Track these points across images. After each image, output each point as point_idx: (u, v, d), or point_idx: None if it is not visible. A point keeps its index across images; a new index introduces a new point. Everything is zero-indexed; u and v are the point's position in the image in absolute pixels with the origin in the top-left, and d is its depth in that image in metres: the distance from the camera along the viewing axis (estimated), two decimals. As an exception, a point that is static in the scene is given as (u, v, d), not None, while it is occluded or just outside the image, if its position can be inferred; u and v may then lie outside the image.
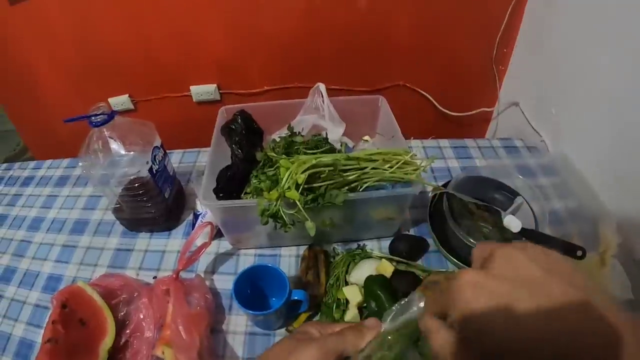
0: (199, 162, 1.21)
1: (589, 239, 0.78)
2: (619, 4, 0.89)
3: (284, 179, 0.73)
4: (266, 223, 0.73)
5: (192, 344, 0.74)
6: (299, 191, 0.72)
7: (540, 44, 1.20)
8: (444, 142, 1.19)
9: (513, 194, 0.91)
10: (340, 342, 0.45)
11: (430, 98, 1.40)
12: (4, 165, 1.37)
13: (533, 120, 1.22)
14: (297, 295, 0.76)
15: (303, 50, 1.34)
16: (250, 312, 0.73)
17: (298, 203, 0.71)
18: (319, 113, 0.97)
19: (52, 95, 1.55)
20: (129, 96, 1.51)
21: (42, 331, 0.84)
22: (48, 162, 1.33)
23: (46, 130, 1.69)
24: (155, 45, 1.38)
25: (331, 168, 0.76)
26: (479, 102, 1.41)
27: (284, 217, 0.72)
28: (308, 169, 0.74)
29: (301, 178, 0.72)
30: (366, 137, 1.06)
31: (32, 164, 1.34)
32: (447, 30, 1.29)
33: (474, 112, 1.41)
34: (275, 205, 0.72)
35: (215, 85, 1.45)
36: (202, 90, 1.46)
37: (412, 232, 0.97)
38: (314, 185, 0.75)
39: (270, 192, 0.72)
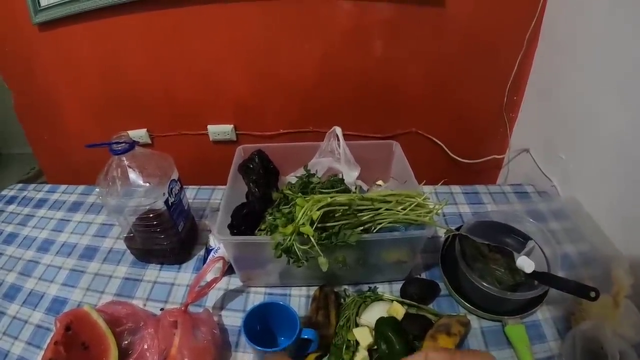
0: (213, 200, 1.22)
1: (602, 282, 0.77)
2: (626, 52, 0.92)
3: (300, 215, 0.74)
4: (280, 256, 0.73)
5: (196, 378, 0.72)
6: (313, 228, 0.72)
7: (549, 91, 1.22)
8: (456, 188, 1.20)
9: (525, 238, 0.91)
10: None
11: (442, 145, 1.42)
12: (19, 185, 1.39)
13: (543, 166, 1.23)
14: (307, 334, 0.75)
15: (318, 95, 1.38)
16: (259, 348, 0.72)
17: (312, 239, 0.72)
18: (334, 156, 0.98)
19: (71, 123, 1.59)
20: (147, 131, 1.54)
21: (42, 352, 0.84)
22: (63, 187, 1.35)
23: (62, 156, 1.72)
24: (176, 84, 1.42)
25: (346, 207, 0.77)
26: (489, 149, 1.42)
27: (298, 252, 0.72)
28: (323, 206, 0.75)
29: (316, 214, 0.73)
30: (379, 182, 1.07)
31: (47, 187, 1.36)
32: (458, 79, 1.32)
33: (485, 159, 1.43)
34: (290, 240, 0.72)
35: (232, 125, 1.49)
36: (219, 130, 1.50)
37: (423, 275, 0.96)
38: (328, 224, 0.76)
39: (286, 227, 0.73)
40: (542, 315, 0.85)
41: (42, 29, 1.36)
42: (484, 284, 0.80)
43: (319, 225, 0.74)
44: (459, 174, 1.40)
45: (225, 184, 1.23)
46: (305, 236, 0.73)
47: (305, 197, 0.78)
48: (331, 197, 0.77)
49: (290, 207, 0.80)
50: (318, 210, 0.74)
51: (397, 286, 0.92)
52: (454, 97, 1.36)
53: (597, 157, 1.03)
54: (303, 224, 0.73)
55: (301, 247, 0.72)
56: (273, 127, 1.46)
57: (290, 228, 0.72)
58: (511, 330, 0.81)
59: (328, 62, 1.31)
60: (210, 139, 1.53)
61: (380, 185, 1.06)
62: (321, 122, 1.39)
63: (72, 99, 1.53)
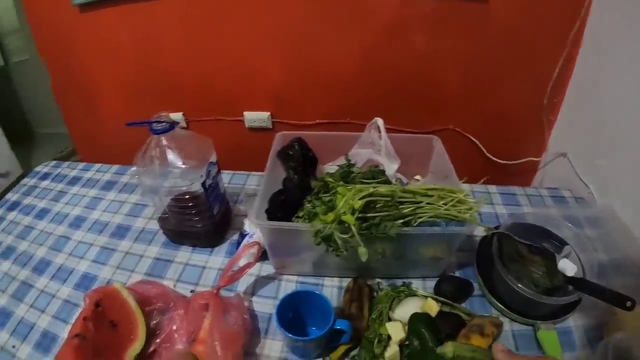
0: (248, 185, 1.22)
1: (635, 292, 0.74)
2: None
3: (341, 204, 0.72)
4: (319, 244, 0.72)
5: (228, 361, 0.72)
6: (355, 217, 0.71)
7: (590, 95, 1.19)
8: (492, 188, 1.18)
9: (561, 242, 0.88)
10: None
11: (479, 144, 1.40)
12: (53, 162, 1.41)
13: (580, 171, 1.20)
14: (340, 325, 0.74)
15: (357, 87, 1.36)
16: (291, 336, 0.71)
17: (353, 228, 0.70)
18: (374, 147, 0.97)
19: (107, 105, 1.61)
20: (183, 114, 1.55)
21: (68, 326, 0.85)
22: (97, 165, 1.36)
23: (96, 136, 1.75)
24: (213, 69, 1.42)
25: (388, 199, 0.76)
26: (526, 151, 1.39)
27: (338, 240, 0.71)
28: (365, 196, 0.74)
29: (358, 204, 0.72)
30: (417, 176, 1.06)
31: (81, 165, 1.38)
32: (498, 77, 1.29)
33: (521, 161, 1.39)
34: (330, 228, 0.71)
35: (268, 113, 1.48)
36: (255, 117, 1.49)
37: (456, 274, 0.94)
38: (368, 215, 0.75)
39: (327, 215, 0.71)
40: (574, 322, 0.82)
41: (82, 11, 1.38)
42: (520, 285, 0.78)
43: (360, 215, 0.73)
44: (494, 174, 1.37)
45: (259, 171, 1.23)
46: (346, 225, 0.72)
47: (346, 186, 0.76)
48: (373, 188, 0.75)
49: (330, 196, 0.79)
50: (360, 199, 0.72)
51: (430, 283, 0.90)
52: (493, 96, 1.33)
53: (636, 166, 1.00)
54: (344, 212, 0.72)
55: (341, 235, 0.71)
56: (309, 117, 1.45)
57: (331, 216, 0.71)
58: (544, 336, 0.79)
59: (368, 54, 1.29)
60: (246, 126, 1.53)
61: (418, 179, 1.04)
62: (358, 115, 1.38)
63: (108, 81, 1.55)
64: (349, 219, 0.71)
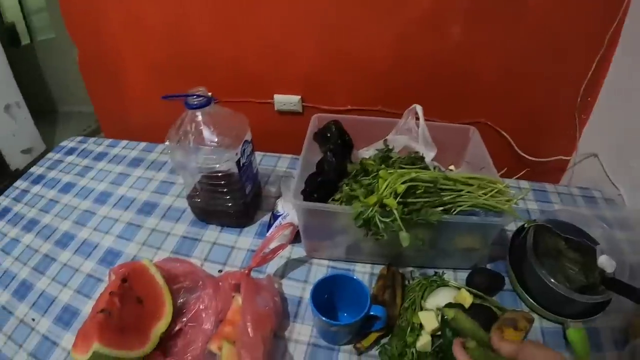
0: (279, 167, 1.21)
1: None
2: None
3: (383, 187, 0.71)
4: (361, 226, 0.70)
5: (259, 343, 0.70)
6: (396, 201, 0.70)
7: (625, 96, 1.16)
8: (524, 184, 1.16)
9: (592, 242, 0.86)
10: None
11: (510, 139, 1.38)
12: (79, 138, 1.40)
13: (611, 173, 1.17)
14: (375, 311, 0.72)
15: (390, 75, 1.34)
16: (327, 320, 0.69)
17: (395, 212, 0.69)
18: (410, 134, 0.95)
19: (134, 83, 1.61)
20: (211, 95, 1.51)
21: (90, 301, 0.85)
22: (124, 142, 1.35)
23: (122, 114, 1.74)
24: (243, 51, 1.40)
25: (430, 184, 0.74)
26: (556, 149, 1.37)
27: (379, 224, 0.69)
28: (407, 180, 0.72)
29: (401, 188, 0.71)
30: (451, 166, 1.04)
31: (107, 141, 1.37)
32: (533, 73, 1.27)
33: (551, 159, 1.38)
34: (372, 211, 0.69)
35: (299, 96, 1.46)
36: (285, 100, 1.47)
37: (488, 267, 0.92)
38: (408, 200, 0.73)
39: (369, 197, 0.70)
40: (601, 323, 0.80)
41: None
42: (553, 280, 0.77)
43: (400, 200, 0.71)
44: (522, 170, 1.36)
45: (289, 154, 1.22)
46: (388, 209, 0.70)
47: (388, 170, 0.75)
48: (415, 172, 0.74)
49: (370, 179, 0.77)
50: (402, 184, 0.71)
51: (461, 274, 0.89)
52: (526, 91, 1.31)
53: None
54: (386, 196, 0.70)
55: (383, 219, 0.69)
56: (340, 103, 1.44)
57: (373, 198, 0.70)
58: (573, 334, 0.77)
59: (403, 42, 1.27)
60: (275, 109, 1.51)
61: (452, 169, 1.02)
62: (389, 103, 1.37)
63: (136, 59, 1.54)
64: (392, 202, 0.69)
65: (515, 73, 1.28)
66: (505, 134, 1.36)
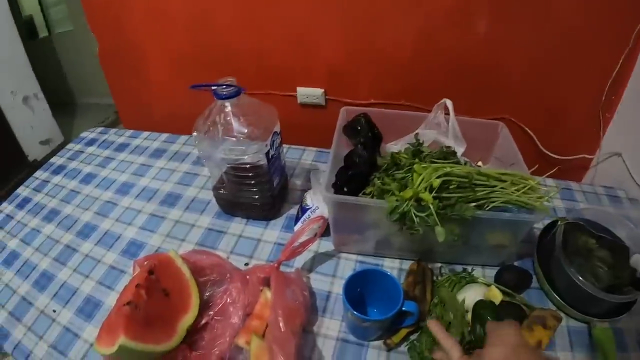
0: (304, 160, 1.20)
1: None
2: None
3: (418, 181, 0.70)
4: (396, 221, 0.69)
5: (290, 337, 0.69)
6: (432, 195, 0.69)
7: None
8: (550, 182, 1.15)
9: (619, 241, 0.85)
10: None
11: (533, 136, 1.36)
12: (100, 129, 1.40)
13: (635, 173, 1.16)
14: (408, 306, 0.71)
15: (414, 69, 1.33)
16: (360, 315, 0.69)
17: (431, 206, 0.68)
18: (439, 129, 0.94)
19: (155, 74, 1.60)
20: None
21: (113, 293, 0.84)
22: (146, 133, 1.35)
23: (142, 106, 1.73)
24: (267, 43, 1.39)
25: (464, 180, 0.73)
26: (579, 148, 1.36)
27: (415, 218, 0.68)
28: (442, 175, 0.71)
29: (436, 182, 0.70)
30: (479, 162, 1.03)
31: (128, 132, 1.36)
32: (558, 70, 1.25)
33: (574, 157, 1.36)
34: (407, 205, 0.69)
35: (322, 90, 1.45)
36: (308, 93, 1.46)
37: (516, 264, 0.91)
38: (442, 195, 0.72)
39: (404, 191, 0.69)
40: (626, 323, 0.80)
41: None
42: (581, 279, 0.76)
43: (434, 194, 0.70)
44: (545, 168, 1.34)
45: (312, 146, 1.22)
46: (423, 203, 0.69)
47: (422, 164, 0.74)
48: (450, 167, 0.73)
49: (403, 173, 0.77)
50: (437, 178, 0.70)
51: (489, 271, 0.88)
52: (551, 88, 1.29)
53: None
54: (422, 190, 0.69)
55: (418, 214, 0.69)
56: (364, 97, 1.42)
57: (409, 192, 0.69)
58: (600, 334, 0.76)
59: (427, 35, 1.25)
60: (298, 101, 1.50)
61: (480, 165, 1.01)
62: (413, 97, 1.35)
63: (158, 51, 1.53)
64: (427, 196, 0.68)
65: (540, 69, 1.26)
66: (529, 131, 1.35)
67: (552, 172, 1.31)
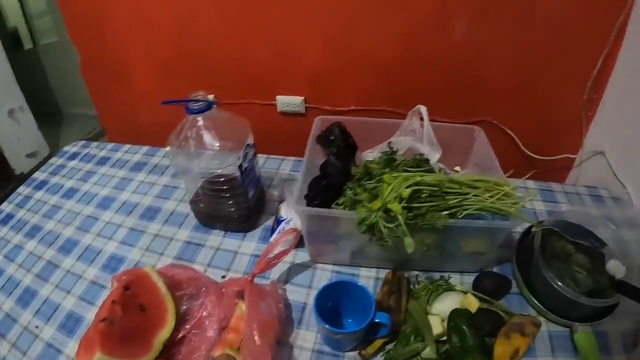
0: (282, 170, 1.20)
1: None
2: None
3: (387, 192, 0.70)
4: (365, 232, 0.69)
5: (266, 350, 0.69)
6: (401, 206, 0.69)
7: (632, 93, 1.14)
8: (530, 184, 1.15)
9: (600, 243, 0.85)
10: None
11: (515, 138, 1.36)
12: (82, 142, 1.40)
13: (618, 171, 1.16)
14: (380, 318, 0.71)
15: (395, 75, 1.33)
16: (331, 328, 0.69)
17: (400, 217, 0.68)
18: (415, 136, 0.94)
19: (138, 84, 1.60)
20: (215, 97, 1.50)
21: (94, 308, 0.84)
22: (127, 146, 1.35)
23: (126, 117, 1.73)
24: (248, 51, 1.40)
25: (435, 188, 0.73)
26: (562, 148, 1.36)
27: (383, 229, 0.68)
28: (412, 185, 0.71)
29: (406, 192, 0.70)
30: (457, 167, 1.03)
31: (109, 145, 1.37)
32: (540, 70, 1.25)
33: (557, 157, 1.36)
34: (376, 216, 0.68)
35: (302, 97, 1.45)
36: (288, 101, 1.46)
37: (495, 270, 0.91)
38: (413, 204, 0.72)
39: (372, 202, 0.69)
40: (609, 326, 0.79)
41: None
42: (560, 284, 0.75)
43: (405, 204, 0.70)
44: (529, 169, 1.33)
45: (292, 156, 1.21)
46: (392, 214, 0.69)
47: (392, 174, 0.74)
48: (420, 176, 0.73)
49: (375, 183, 0.76)
50: (407, 188, 0.70)
51: (468, 278, 0.88)
52: (533, 89, 1.29)
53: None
54: (391, 201, 0.69)
55: (387, 225, 0.68)
56: (344, 103, 1.42)
57: (377, 204, 0.69)
58: (581, 339, 0.76)
59: (409, 41, 1.26)
60: (278, 110, 1.50)
61: (457, 171, 1.01)
62: (395, 102, 1.35)
63: (141, 60, 1.53)
64: (396, 207, 0.68)
65: (520, 71, 1.26)
66: (511, 133, 1.35)
67: (535, 173, 1.31)
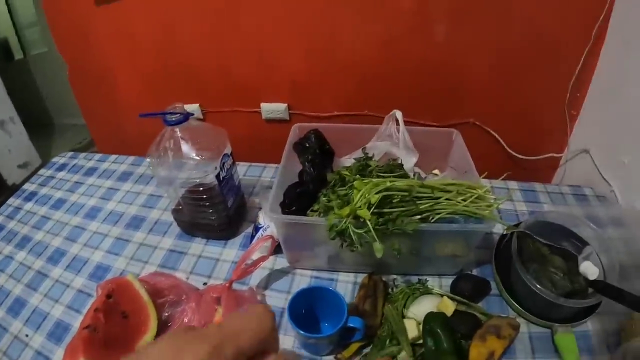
0: (264, 177, 1.21)
1: None
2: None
3: (357, 198, 0.71)
4: (334, 238, 0.70)
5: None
6: (370, 212, 0.70)
7: (615, 91, 1.15)
8: (512, 184, 1.15)
9: (582, 242, 0.85)
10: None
11: (499, 139, 1.37)
12: (70, 153, 1.42)
13: (603, 169, 1.16)
14: (353, 322, 0.72)
15: (376, 79, 1.34)
16: (303, 333, 0.70)
17: (368, 223, 0.69)
18: (392, 140, 0.95)
19: (125, 95, 1.62)
20: (200, 105, 1.55)
21: (80, 316, 0.85)
22: (113, 156, 1.37)
23: (114, 127, 1.75)
24: (231, 60, 1.41)
25: (405, 193, 0.74)
26: (547, 147, 1.36)
27: (353, 235, 0.69)
28: (382, 190, 0.72)
29: (374, 198, 0.70)
30: (436, 171, 1.03)
31: (97, 156, 1.39)
32: (521, 71, 1.26)
33: (542, 156, 1.36)
34: (345, 223, 0.69)
35: (285, 104, 1.47)
36: (272, 108, 1.48)
37: (474, 272, 0.92)
38: (385, 210, 0.73)
39: (342, 209, 0.70)
40: (592, 326, 0.80)
41: (98, 3, 1.38)
42: (538, 286, 0.76)
43: (375, 210, 0.71)
44: (514, 170, 1.35)
45: (276, 163, 1.21)
46: (362, 220, 0.70)
47: (363, 180, 0.75)
48: (390, 182, 0.73)
49: (346, 189, 0.77)
50: (376, 194, 0.71)
51: (446, 281, 0.88)
52: (515, 89, 1.30)
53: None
54: (360, 207, 0.70)
55: (356, 230, 0.69)
56: (327, 109, 1.44)
57: (346, 210, 0.70)
58: (561, 339, 0.76)
59: (389, 44, 1.26)
60: (263, 117, 1.52)
61: (436, 174, 1.02)
62: (377, 106, 1.36)
63: (126, 71, 1.55)
64: (365, 213, 0.69)
65: (503, 71, 1.27)
66: (494, 134, 1.35)
67: (521, 173, 1.31)
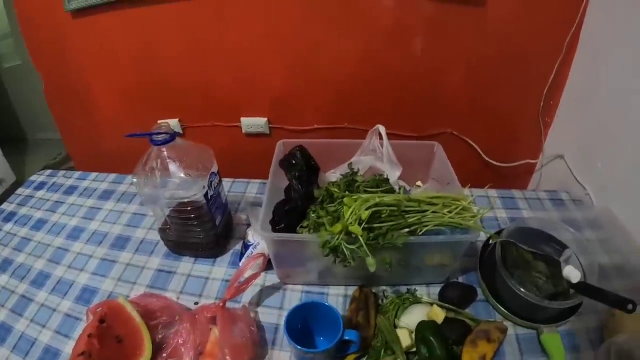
0: (248, 193, 1.21)
1: (634, 294, 0.73)
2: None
3: (347, 214, 0.72)
4: (327, 255, 0.72)
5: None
6: (361, 227, 0.71)
7: (587, 98, 1.19)
8: (492, 192, 1.18)
9: (562, 246, 0.89)
10: None
11: (476, 147, 1.40)
12: (48, 171, 1.39)
13: (578, 174, 1.20)
14: (349, 335, 0.73)
15: (355, 92, 1.36)
16: (301, 348, 0.71)
17: (361, 238, 0.70)
18: (375, 155, 0.97)
19: (103, 110, 1.59)
20: (179, 121, 1.54)
21: (70, 341, 0.84)
22: (94, 174, 1.34)
23: (92, 143, 1.72)
24: (210, 74, 1.41)
25: (394, 208, 0.76)
26: (523, 154, 1.40)
27: (345, 251, 0.70)
28: (371, 206, 0.73)
29: (365, 214, 0.72)
30: (419, 183, 1.06)
31: (76, 174, 1.36)
32: (496, 81, 1.30)
33: (518, 163, 1.40)
34: (337, 239, 0.71)
35: (266, 118, 1.47)
36: (252, 123, 1.49)
37: (460, 279, 0.94)
38: (375, 225, 0.75)
39: (334, 226, 0.71)
40: (576, 325, 0.83)
41: (75, 16, 1.36)
42: (523, 290, 0.79)
43: (366, 225, 0.73)
44: (491, 177, 1.39)
45: (256, 177, 1.23)
46: (353, 236, 0.72)
47: (352, 196, 0.76)
48: (379, 197, 0.75)
49: (335, 205, 0.79)
50: (366, 210, 0.72)
51: (435, 289, 0.91)
52: (490, 99, 1.34)
53: (634, 168, 1.00)
54: (351, 223, 0.72)
55: (349, 246, 0.71)
56: (307, 122, 1.45)
57: (338, 227, 0.71)
58: (547, 339, 0.79)
59: (367, 58, 1.29)
60: (243, 132, 1.52)
61: (419, 186, 1.04)
62: (356, 119, 1.39)
63: (104, 86, 1.53)
64: (357, 229, 0.71)
65: (478, 82, 1.31)
66: (472, 143, 1.39)
67: (498, 180, 1.35)
